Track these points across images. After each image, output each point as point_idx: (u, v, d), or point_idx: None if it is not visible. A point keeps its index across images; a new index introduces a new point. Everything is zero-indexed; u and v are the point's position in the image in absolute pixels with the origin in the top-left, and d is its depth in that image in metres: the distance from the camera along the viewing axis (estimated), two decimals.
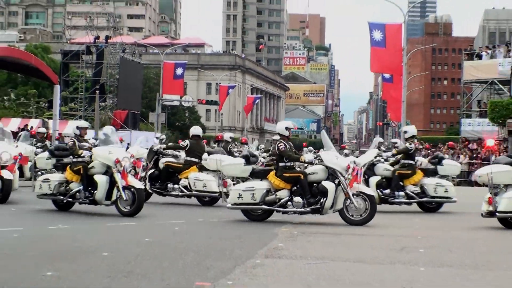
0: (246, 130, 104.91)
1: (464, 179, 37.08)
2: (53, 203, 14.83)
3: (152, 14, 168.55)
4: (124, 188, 14.10)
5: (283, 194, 14.00)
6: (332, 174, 13.95)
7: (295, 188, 14.05)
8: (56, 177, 14.57)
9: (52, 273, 7.78)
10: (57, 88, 50.35)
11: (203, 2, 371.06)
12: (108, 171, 14.28)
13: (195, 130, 20.36)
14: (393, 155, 18.88)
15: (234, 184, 16.00)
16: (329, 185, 13.66)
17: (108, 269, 8.43)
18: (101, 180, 14.07)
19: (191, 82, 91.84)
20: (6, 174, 15.45)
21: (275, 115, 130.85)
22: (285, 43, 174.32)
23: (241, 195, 14.03)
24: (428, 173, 18.63)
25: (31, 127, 44.05)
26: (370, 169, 18.79)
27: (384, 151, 19.86)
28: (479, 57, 61.39)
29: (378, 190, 18.11)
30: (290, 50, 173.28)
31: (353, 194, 13.83)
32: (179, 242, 11.19)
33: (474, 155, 41.83)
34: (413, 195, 18.30)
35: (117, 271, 8.26)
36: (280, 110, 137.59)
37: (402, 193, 18.31)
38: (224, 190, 17.76)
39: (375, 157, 18.60)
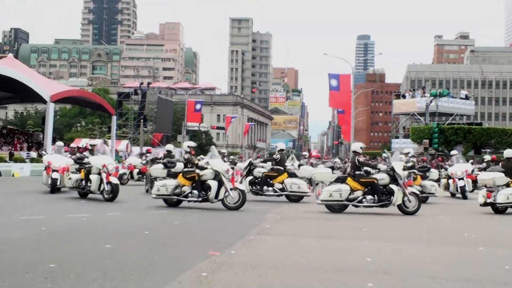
0: (244, 147, 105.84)
1: None
2: (164, 201, 14.25)
3: (179, 67, 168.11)
4: (231, 189, 13.87)
5: (359, 193, 13.75)
6: (395, 179, 13.76)
7: (367, 189, 13.79)
8: (172, 182, 13.98)
9: (109, 245, 7.85)
10: (114, 118, 51.16)
11: (214, 59, 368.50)
12: (217, 177, 13.86)
13: (280, 145, 19.64)
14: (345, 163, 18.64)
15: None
16: (395, 188, 13.58)
17: (148, 243, 8.65)
18: (214, 184, 13.69)
19: (206, 113, 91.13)
20: (113, 179, 15.16)
21: (264, 137, 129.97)
22: (270, 88, 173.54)
23: (331, 194, 13.67)
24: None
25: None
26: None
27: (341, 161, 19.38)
28: (404, 97, 61.58)
29: None
30: (274, 92, 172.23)
31: (408, 193, 13.85)
32: (200, 224, 11.27)
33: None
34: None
35: (155, 244, 8.47)
36: (267, 133, 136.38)
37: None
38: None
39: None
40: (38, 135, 48.05)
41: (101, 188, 15.12)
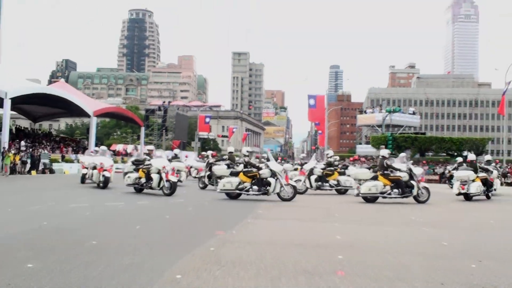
0: (252, 152, 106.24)
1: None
2: (226, 195, 13.85)
3: (193, 90, 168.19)
4: (286, 185, 13.69)
5: (387, 188, 13.86)
6: (411, 177, 14.05)
7: (393, 184, 13.93)
8: (236, 179, 13.67)
9: (139, 227, 7.87)
10: (142, 129, 51.32)
11: (220, 84, 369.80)
12: (273, 175, 13.57)
13: (230, 148, 19.67)
14: (325, 165, 18.54)
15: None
16: (414, 183, 13.95)
17: (170, 224, 8.65)
18: (273, 181, 13.45)
19: (213, 125, 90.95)
20: (172, 178, 14.53)
21: (258, 143, 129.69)
22: (263, 105, 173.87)
23: (370, 189, 13.73)
24: (340, 173, 18.42)
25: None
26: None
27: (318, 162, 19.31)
28: (365, 112, 61.59)
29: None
30: (266, 109, 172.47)
31: (422, 187, 14.20)
32: (209, 210, 11.26)
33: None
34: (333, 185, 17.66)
35: (174, 226, 8.52)
36: (261, 140, 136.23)
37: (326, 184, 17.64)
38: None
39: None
40: (84, 141, 48.03)
41: (161, 185, 14.58)
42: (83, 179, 19.07)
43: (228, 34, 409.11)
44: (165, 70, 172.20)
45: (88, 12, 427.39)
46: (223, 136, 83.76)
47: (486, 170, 16.86)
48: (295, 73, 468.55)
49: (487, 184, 16.29)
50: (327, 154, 17.56)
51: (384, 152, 15.01)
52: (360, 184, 14.24)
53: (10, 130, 33.18)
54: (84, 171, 19.08)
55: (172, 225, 8.53)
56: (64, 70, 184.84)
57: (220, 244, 6.37)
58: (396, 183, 14.08)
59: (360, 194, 14.08)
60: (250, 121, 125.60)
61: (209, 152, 22.29)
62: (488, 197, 16.43)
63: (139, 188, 15.42)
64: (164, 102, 65.46)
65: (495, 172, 18.31)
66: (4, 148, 27.41)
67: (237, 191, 13.78)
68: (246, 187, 13.78)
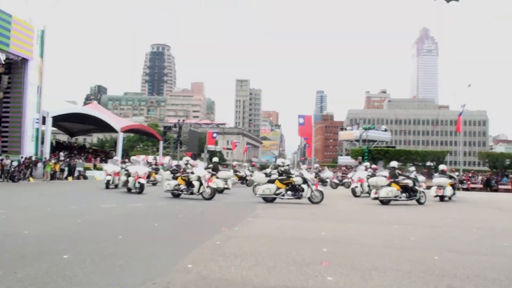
0: (244, 161, 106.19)
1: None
2: (263, 199, 13.47)
3: (203, 110, 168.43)
4: (316, 190, 13.55)
5: (398, 192, 13.97)
6: (414, 183, 14.32)
7: (402, 189, 14.10)
8: (273, 186, 13.41)
9: (158, 224, 7.84)
10: (161, 142, 51.53)
11: (225, 105, 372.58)
12: (305, 182, 13.43)
13: (215, 159, 19.68)
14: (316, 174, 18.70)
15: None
16: (419, 188, 14.35)
17: (183, 222, 8.60)
18: (306, 187, 13.36)
19: (220, 140, 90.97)
20: (212, 184, 14.09)
21: (257, 154, 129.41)
22: (261, 123, 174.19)
23: (388, 193, 13.76)
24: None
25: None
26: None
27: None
28: (346, 129, 61.85)
29: None
30: (263, 126, 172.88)
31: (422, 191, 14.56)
32: (216, 210, 11.09)
33: (345, 172, 41.84)
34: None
35: (186, 223, 8.48)
36: (259, 152, 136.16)
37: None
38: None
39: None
40: (112, 153, 47.95)
41: (201, 190, 14.01)
42: (107, 184, 18.58)
43: (233, 65, 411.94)
44: (180, 94, 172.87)
45: (117, 46, 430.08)
46: (227, 149, 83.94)
47: (452, 177, 17.77)
48: (287, 97, 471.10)
49: (454, 188, 17.47)
50: (283, 163, 16.52)
51: (394, 163, 15.27)
52: (377, 190, 14.31)
53: (51, 143, 33.17)
54: (108, 177, 18.72)
55: (184, 223, 8.46)
56: (97, 94, 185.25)
57: (225, 239, 6.35)
58: (405, 188, 14.33)
59: (379, 198, 14.06)
60: (250, 136, 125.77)
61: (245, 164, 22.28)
62: (449, 199, 17.10)
63: (177, 194, 14.74)
64: (179, 120, 65.27)
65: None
66: (45, 158, 27.39)
67: (274, 196, 13.59)
68: (281, 192, 13.59)
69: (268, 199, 13.61)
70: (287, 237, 6.70)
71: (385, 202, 14.02)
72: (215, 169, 17.68)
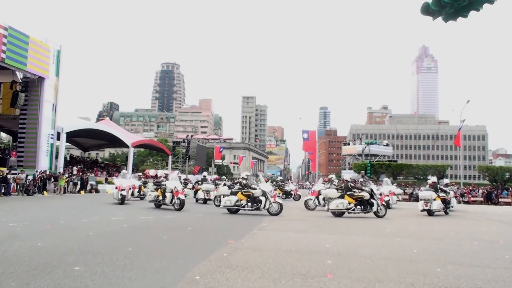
0: (250, 175, 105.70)
1: None
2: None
3: (211, 126, 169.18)
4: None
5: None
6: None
7: (359, 202, 13.97)
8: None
9: (166, 236, 7.83)
10: (170, 157, 51.55)
11: (232, 121, 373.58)
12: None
13: (204, 173, 20.23)
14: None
15: None
16: (375, 201, 13.99)
17: (190, 235, 8.60)
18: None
19: (227, 154, 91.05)
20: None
21: (262, 168, 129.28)
22: (266, 138, 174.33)
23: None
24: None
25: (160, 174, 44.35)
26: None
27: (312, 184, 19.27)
28: (349, 144, 61.89)
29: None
30: (268, 141, 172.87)
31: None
32: (223, 223, 11.05)
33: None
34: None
35: (194, 235, 8.42)
36: (265, 166, 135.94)
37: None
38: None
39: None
40: (123, 167, 48.08)
41: (172, 202, 14.53)
42: (122, 200, 17.51)
43: (239, 82, 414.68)
44: (188, 110, 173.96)
45: (129, 64, 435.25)
46: (234, 163, 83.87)
47: (445, 191, 16.77)
48: (292, 112, 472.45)
49: (445, 202, 16.22)
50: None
51: (347, 177, 15.43)
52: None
53: (65, 157, 33.37)
54: (123, 192, 17.64)
55: (192, 235, 8.40)
56: (109, 110, 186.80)
57: (232, 251, 6.31)
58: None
59: (330, 210, 14.01)
60: (256, 151, 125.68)
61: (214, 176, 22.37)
62: (446, 213, 16.27)
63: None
64: (187, 136, 65.63)
65: (451, 193, 18.45)
66: (59, 172, 27.52)
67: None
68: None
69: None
70: (292, 250, 6.62)
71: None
72: (204, 181, 18.23)
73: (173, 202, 14.57)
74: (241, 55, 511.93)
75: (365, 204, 13.81)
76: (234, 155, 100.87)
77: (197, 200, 20.35)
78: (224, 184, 18.02)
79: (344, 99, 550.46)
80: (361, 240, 8.21)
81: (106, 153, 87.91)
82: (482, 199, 33.11)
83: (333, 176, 15.24)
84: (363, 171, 38.93)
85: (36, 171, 25.31)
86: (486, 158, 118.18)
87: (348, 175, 15.11)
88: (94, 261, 5.21)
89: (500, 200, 32.33)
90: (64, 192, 25.92)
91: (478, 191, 35.07)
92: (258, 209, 13.60)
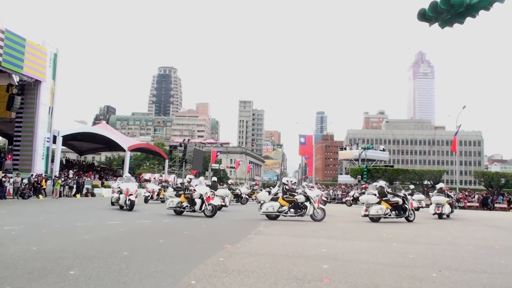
0: (246, 179, 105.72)
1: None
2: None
3: (207, 130, 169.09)
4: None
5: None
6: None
7: (392, 207, 14.23)
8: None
9: (162, 240, 7.79)
10: (166, 161, 51.66)
11: (229, 125, 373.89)
12: (307, 200, 13.21)
13: (343, 178, 20.14)
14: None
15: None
16: (408, 206, 14.51)
17: (187, 239, 8.55)
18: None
19: (223, 158, 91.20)
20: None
21: (259, 173, 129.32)
22: (263, 143, 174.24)
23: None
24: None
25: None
26: None
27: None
28: (345, 149, 61.84)
29: None
30: (265, 146, 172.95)
31: (411, 209, 14.80)
32: (219, 227, 10.95)
33: (344, 191, 41.63)
34: None
35: (191, 240, 8.35)
36: (261, 171, 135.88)
37: None
38: None
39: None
40: (119, 171, 47.97)
41: (203, 208, 13.79)
42: (131, 206, 17.01)
43: (237, 86, 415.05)
44: (185, 114, 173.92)
45: (126, 68, 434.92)
46: (231, 167, 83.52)
47: (450, 196, 17.97)
48: (289, 117, 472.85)
49: (451, 206, 17.45)
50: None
51: (382, 183, 15.29)
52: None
53: (61, 161, 33.23)
54: (115, 195, 17.73)
55: (188, 240, 8.36)
56: (106, 114, 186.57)
57: (228, 255, 6.30)
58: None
59: (370, 215, 14.09)
60: (253, 155, 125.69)
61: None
62: (448, 216, 17.14)
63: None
64: (184, 139, 65.50)
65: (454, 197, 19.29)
66: (55, 176, 27.40)
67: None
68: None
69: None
70: (288, 254, 6.61)
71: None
72: (214, 187, 17.50)
73: (203, 209, 13.80)
74: (238, 59, 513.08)
75: (399, 210, 14.16)
76: (231, 159, 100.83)
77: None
78: (265, 190, 17.29)
79: (341, 104, 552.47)
80: (358, 245, 8.20)
81: (102, 156, 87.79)
82: (478, 204, 33.22)
83: (383, 182, 15.39)
84: (359, 176, 38.98)
85: (32, 174, 25.19)
86: (482, 163, 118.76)
87: (343, 179, 15.15)
88: (90, 265, 5.19)
89: (495, 205, 32.43)
90: (60, 196, 25.79)
91: (474, 197, 35.18)
92: (302, 215, 13.32)
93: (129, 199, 15.07)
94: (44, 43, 27.53)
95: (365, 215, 14.16)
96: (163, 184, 26.37)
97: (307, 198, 13.44)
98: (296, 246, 7.69)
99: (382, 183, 15.13)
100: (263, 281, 4.62)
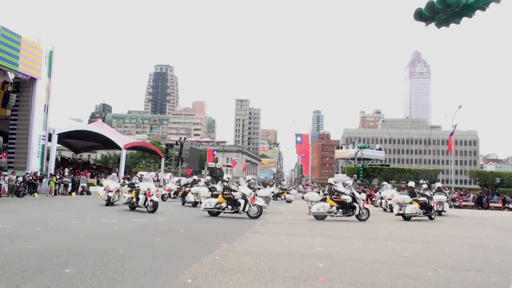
0: (242, 178, 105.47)
1: None
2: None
3: (204, 128, 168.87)
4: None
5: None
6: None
7: (422, 206, 15.45)
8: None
9: (158, 239, 7.78)
10: (163, 159, 51.02)
11: (225, 124, 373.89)
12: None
13: (339, 177, 20.35)
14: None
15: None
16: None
17: (182, 238, 8.54)
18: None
19: (220, 157, 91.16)
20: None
21: (255, 172, 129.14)
22: (260, 141, 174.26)
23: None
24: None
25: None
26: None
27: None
28: (341, 148, 62.09)
29: None
30: (262, 144, 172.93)
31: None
32: (215, 226, 10.96)
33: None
34: None
35: (186, 239, 8.35)
36: (258, 170, 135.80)
37: None
38: None
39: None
40: (115, 169, 47.71)
41: (146, 204, 14.25)
42: (109, 202, 17.66)
43: (233, 84, 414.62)
44: (182, 113, 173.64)
45: (122, 66, 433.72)
46: (227, 166, 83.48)
47: (446, 195, 19.36)
48: (286, 116, 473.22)
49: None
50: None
51: (412, 183, 16.31)
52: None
53: (56, 159, 33.07)
54: (110, 194, 17.83)
55: (185, 238, 8.36)
56: (102, 112, 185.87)
57: (224, 254, 6.31)
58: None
59: (404, 214, 14.78)
60: (249, 154, 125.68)
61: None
62: (439, 214, 18.31)
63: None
64: (180, 138, 65.73)
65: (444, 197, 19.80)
66: (50, 174, 27.28)
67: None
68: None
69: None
70: (284, 253, 6.63)
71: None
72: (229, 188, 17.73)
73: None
74: (235, 58, 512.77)
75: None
76: (227, 158, 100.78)
77: (183, 203, 20.00)
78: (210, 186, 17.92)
79: (337, 103, 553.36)
80: (353, 244, 8.22)
81: (98, 155, 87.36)
82: (473, 203, 33.37)
83: (412, 182, 15.81)
84: (355, 175, 39.07)
85: (27, 172, 25.06)
86: (477, 163, 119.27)
87: (331, 179, 15.09)
88: (85, 264, 5.17)
89: (490, 204, 32.60)
90: (55, 194, 25.68)
91: (469, 196, 35.35)
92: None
93: (151, 200, 14.46)
94: (40, 41, 27.35)
95: (399, 214, 14.83)
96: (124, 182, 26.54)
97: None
98: (292, 245, 7.71)
99: (411, 183, 15.75)
100: (259, 280, 4.63)
